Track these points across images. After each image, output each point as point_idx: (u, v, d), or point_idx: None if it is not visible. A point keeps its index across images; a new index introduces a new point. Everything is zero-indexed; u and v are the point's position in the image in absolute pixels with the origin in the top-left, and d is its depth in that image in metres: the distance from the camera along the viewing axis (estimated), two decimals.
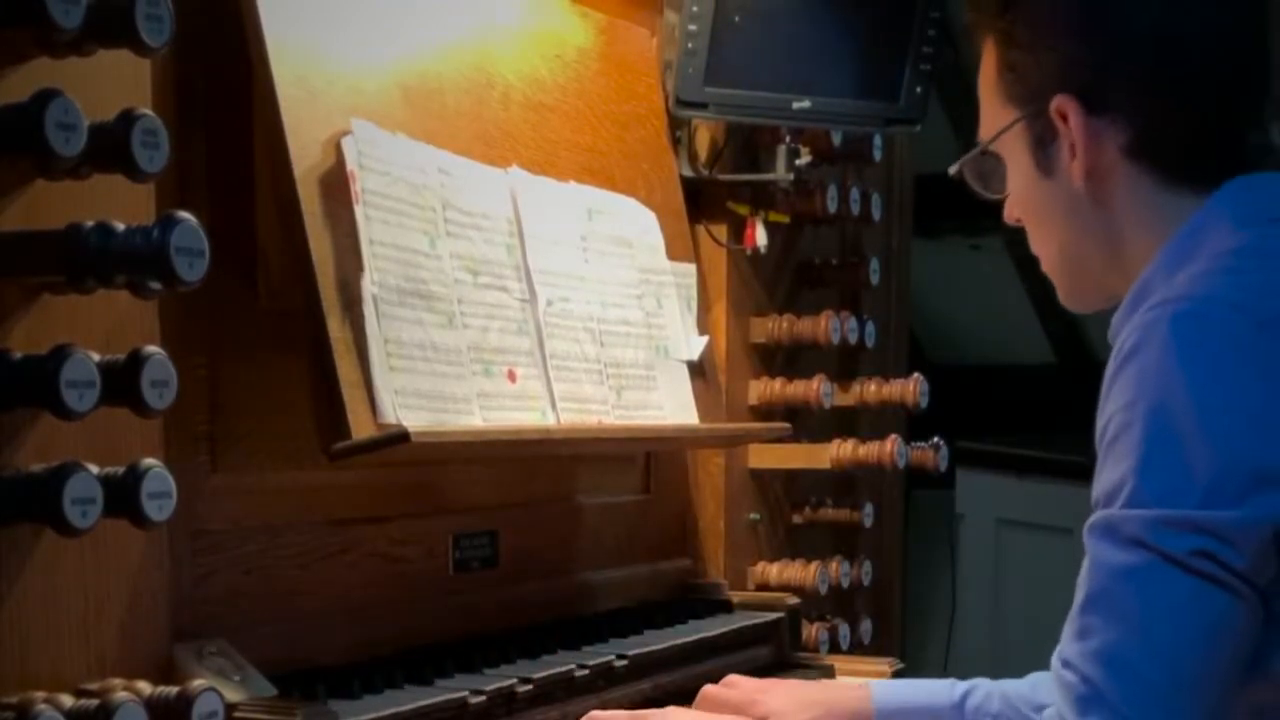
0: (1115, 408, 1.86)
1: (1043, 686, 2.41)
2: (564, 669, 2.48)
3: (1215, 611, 1.78)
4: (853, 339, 3.41)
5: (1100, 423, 1.90)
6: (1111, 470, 1.85)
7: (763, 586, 3.35)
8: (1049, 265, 2.17)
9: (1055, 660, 1.89)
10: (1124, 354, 1.86)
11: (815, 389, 3.34)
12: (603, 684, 2.56)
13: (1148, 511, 1.80)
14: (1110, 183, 2.05)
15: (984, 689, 2.45)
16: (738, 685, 2.54)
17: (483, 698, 2.30)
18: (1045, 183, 2.10)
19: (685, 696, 2.59)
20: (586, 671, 2.51)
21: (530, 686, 2.39)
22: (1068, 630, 1.88)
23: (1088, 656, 1.82)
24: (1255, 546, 1.78)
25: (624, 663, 2.60)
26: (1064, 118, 2.03)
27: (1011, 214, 2.20)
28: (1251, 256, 1.92)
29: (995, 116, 2.13)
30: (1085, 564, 1.87)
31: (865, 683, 2.54)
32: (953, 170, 2.22)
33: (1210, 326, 1.83)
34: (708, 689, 2.53)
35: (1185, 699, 1.79)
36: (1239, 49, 2.03)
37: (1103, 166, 2.04)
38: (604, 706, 2.49)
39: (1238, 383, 1.80)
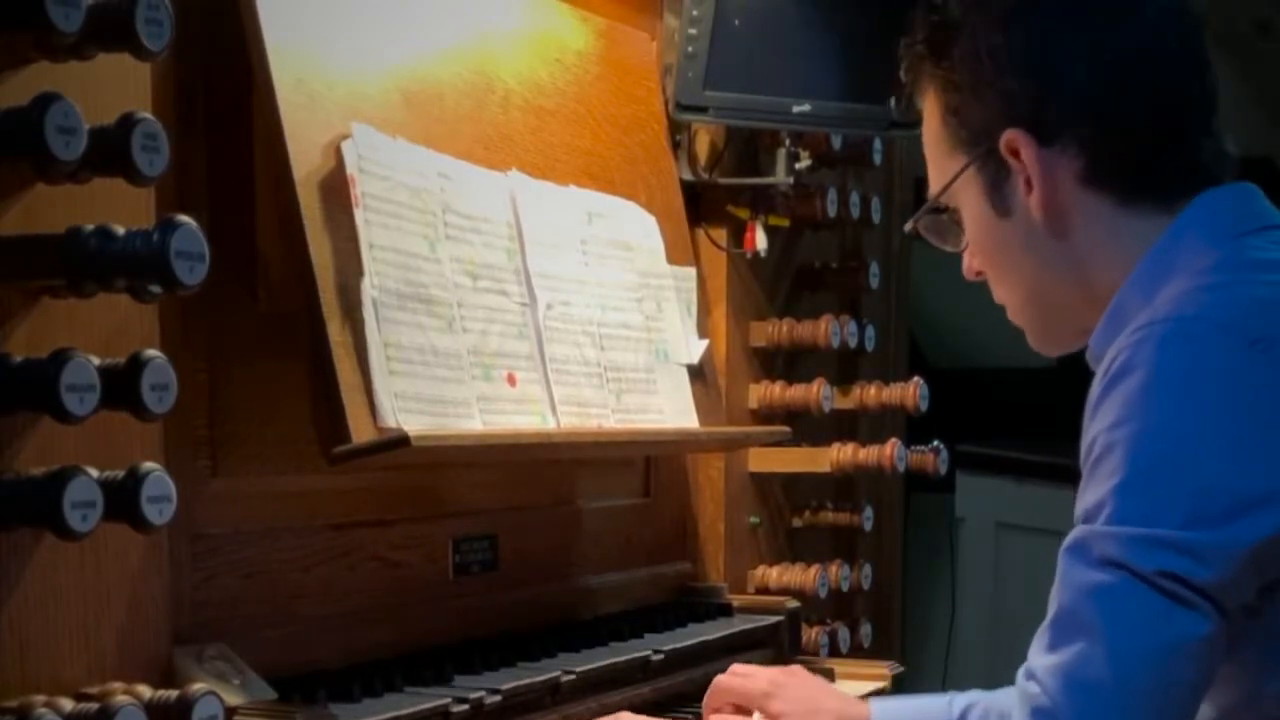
0: (1100, 428, 1.85)
1: None
2: (565, 673, 2.48)
3: (1180, 632, 1.78)
4: (853, 342, 3.41)
5: (1085, 442, 1.90)
6: (1094, 490, 1.85)
7: (763, 590, 3.35)
8: (1016, 311, 2.15)
9: (1021, 671, 1.90)
10: (1110, 374, 1.85)
11: (815, 392, 3.34)
12: (603, 687, 2.56)
13: (1125, 529, 1.80)
14: (1070, 213, 2.02)
15: (982, 705, 2.44)
16: (753, 675, 2.53)
17: (481, 701, 2.30)
18: (1003, 224, 2.07)
19: (686, 699, 2.60)
20: (587, 675, 2.51)
21: (530, 690, 2.39)
22: (1035, 642, 1.88)
23: (1050, 671, 1.83)
24: (1232, 569, 1.78)
25: (624, 666, 2.60)
26: (1015, 153, 2.01)
27: (971, 267, 2.18)
28: (1231, 270, 1.90)
29: (944, 167, 2.11)
30: (1057, 579, 1.87)
31: (867, 702, 2.53)
32: (908, 228, 2.21)
33: (1199, 348, 1.82)
34: (720, 679, 2.52)
35: (1147, 710, 1.79)
36: (1178, 65, 2.01)
37: (1061, 197, 2.01)
38: (604, 710, 2.49)
39: (1225, 407, 1.79)
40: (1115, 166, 2.01)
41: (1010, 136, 2.00)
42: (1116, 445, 1.82)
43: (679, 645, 2.77)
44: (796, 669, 2.60)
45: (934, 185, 2.13)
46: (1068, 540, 1.87)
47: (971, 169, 2.06)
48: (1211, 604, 1.78)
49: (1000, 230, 2.08)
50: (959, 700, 2.46)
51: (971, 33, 2.03)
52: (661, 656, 2.69)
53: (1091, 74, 1.98)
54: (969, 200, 2.09)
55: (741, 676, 2.52)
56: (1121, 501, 1.81)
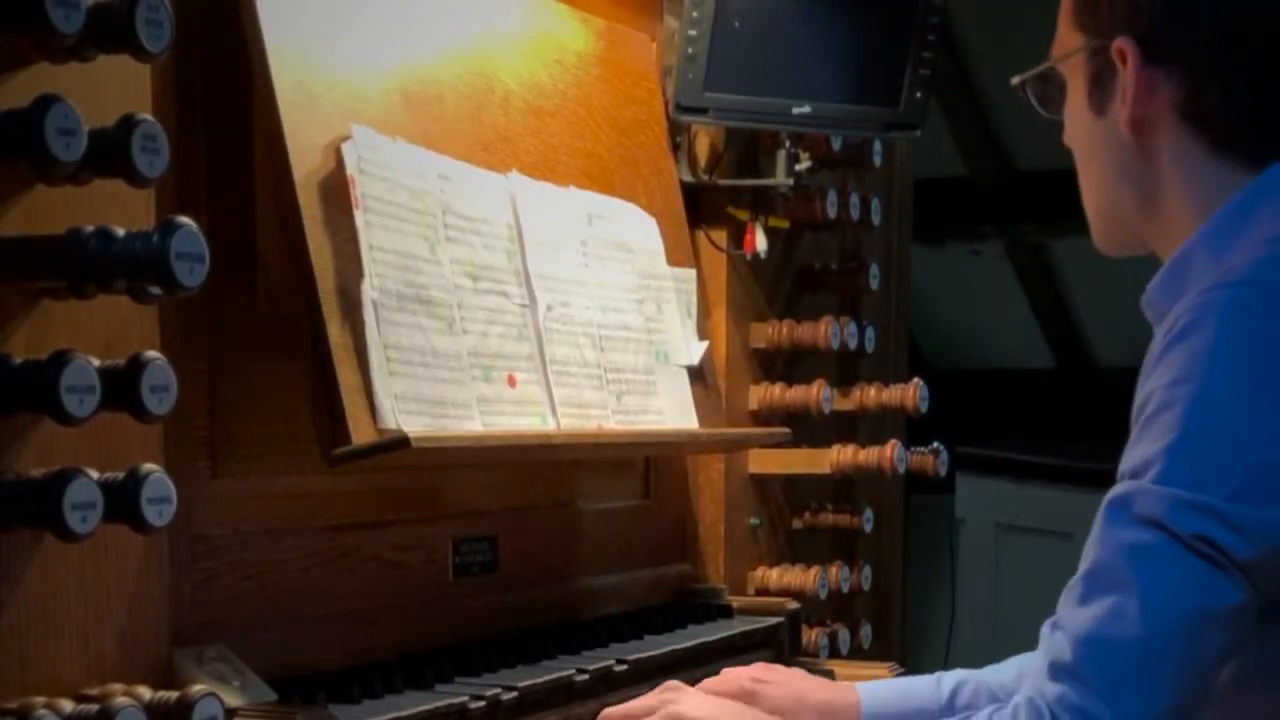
0: (1158, 384, 1.83)
1: (1028, 677, 2.41)
2: (564, 674, 2.48)
3: (1212, 598, 1.77)
4: (853, 344, 3.41)
5: (1140, 396, 1.87)
6: (1145, 446, 1.83)
7: (763, 591, 3.35)
8: (1087, 201, 2.14)
9: (1047, 624, 1.88)
10: (1175, 332, 1.83)
11: (815, 394, 3.34)
12: (602, 689, 2.56)
13: (1171, 490, 1.78)
14: (1158, 137, 2.01)
15: (971, 684, 2.45)
16: (732, 679, 2.53)
17: (482, 703, 2.30)
18: (1095, 120, 2.06)
19: None
20: (586, 676, 2.52)
21: (530, 692, 2.39)
22: (1066, 594, 1.87)
23: (1077, 625, 1.82)
24: (1269, 551, 1.77)
25: (624, 668, 2.60)
26: (1123, 60, 2.00)
27: (1067, 140, 2.17)
28: None
29: (1064, 39, 2.10)
30: (1094, 532, 1.85)
31: (854, 687, 2.53)
32: (1015, 81, 2.19)
33: (1269, 317, 1.81)
34: (705, 684, 2.52)
35: (1162, 682, 1.78)
36: None
37: (1152, 119, 2.01)
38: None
39: None
40: (1214, 109, 1.99)
41: (1121, 43, 2.00)
42: (1174, 403, 1.80)
43: (679, 646, 2.77)
44: (776, 667, 2.60)
45: (1056, 48, 2.12)
46: (1110, 494, 1.85)
47: (1081, 55, 2.06)
48: (1243, 575, 1.77)
49: (1091, 124, 2.08)
50: (947, 679, 2.46)
51: None
52: (662, 658, 2.69)
53: (1218, 11, 1.97)
54: (1074, 82, 2.09)
55: (720, 680, 2.52)
56: (1171, 461, 1.79)
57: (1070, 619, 1.83)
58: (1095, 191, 2.11)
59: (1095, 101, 2.05)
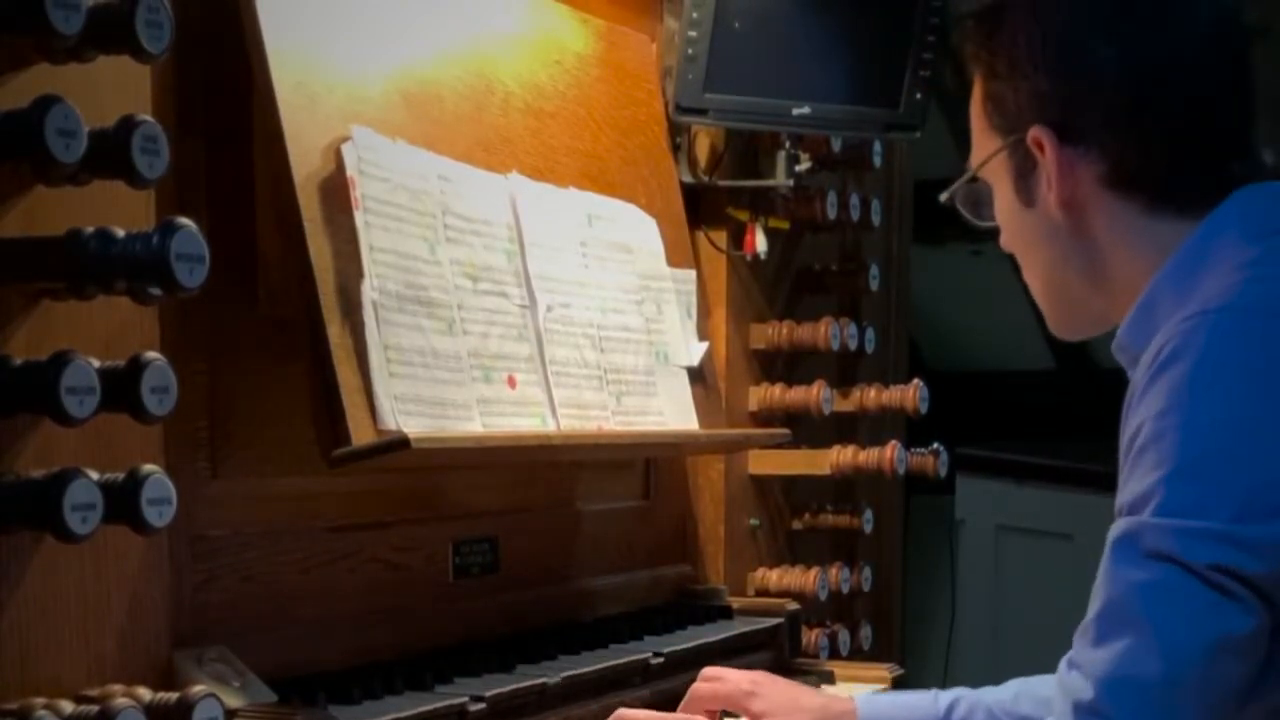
0: (1147, 415, 1.83)
1: (1025, 697, 2.40)
2: (564, 674, 2.48)
3: (1228, 627, 1.76)
4: (853, 345, 3.41)
5: (1129, 429, 1.87)
6: (1140, 479, 1.82)
7: (762, 592, 3.35)
8: (1036, 294, 2.16)
9: (1063, 662, 1.88)
10: (1160, 361, 1.83)
11: (815, 395, 3.34)
12: (603, 690, 2.56)
13: (1174, 521, 1.77)
14: (1089, 212, 2.03)
15: (967, 701, 2.44)
16: (725, 678, 2.53)
17: (482, 704, 2.30)
18: (1026, 212, 2.08)
19: None
20: (587, 677, 2.51)
21: (530, 693, 2.39)
22: (1080, 636, 1.86)
23: (1096, 666, 1.81)
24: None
25: (625, 668, 2.60)
26: (1040, 148, 2.02)
27: (1004, 243, 2.19)
28: (1272, 265, 1.89)
29: (981, 145, 2.13)
30: (1103, 571, 1.85)
31: (851, 697, 2.53)
32: (943, 197, 2.23)
33: (1251, 336, 1.81)
34: (696, 688, 2.52)
35: (1190, 709, 1.78)
36: (1213, 75, 2.00)
37: (1080, 196, 2.02)
38: (604, 712, 2.49)
39: (1277, 396, 1.77)
40: (1139, 174, 2.01)
41: (1036, 133, 2.02)
42: (1165, 433, 1.80)
43: (679, 647, 2.77)
44: (774, 676, 2.61)
45: (974, 157, 2.15)
46: (1114, 532, 1.84)
47: (1003, 154, 2.08)
48: (1259, 598, 1.76)
49: (1024, 217, 2.09)
50: (944, 696, 2.46)
51: (1013, 23, 2.05)
52: (661, 659, 2.69)
53: (1121, 81, 1.99)
54: (999, 183, 2.12)
55: (717, 680, 2.52)
56: (1170, 491, 1.78)
57: (1088, 660, 1.82)
58: (1042, 281, 2.13)
59: (1023, 194, 2.07)
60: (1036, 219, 2.08)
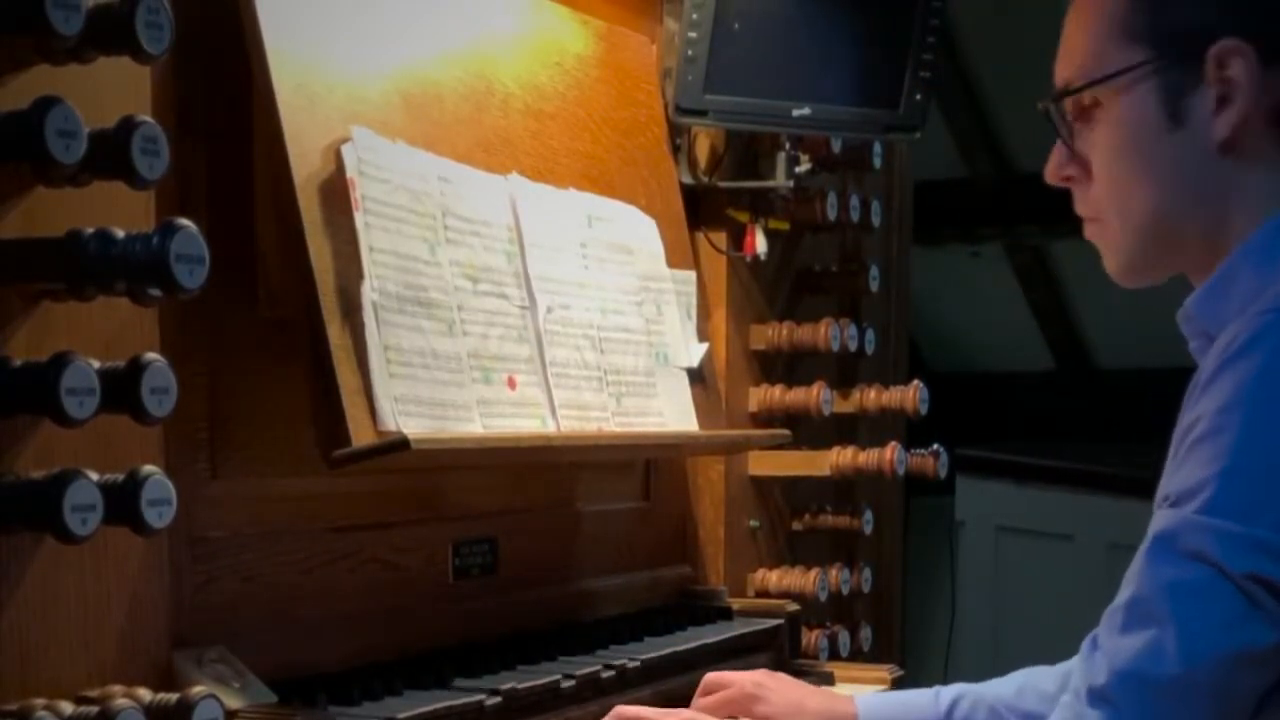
0: (1210, 408, 1.78)
1: (1029, 691, 2.40)
2: (564, 675, 2.48)
3: (1252, 638, 1.75)
4: (852, 346, 3.41)
5: (1187, 418, 1.82)
6: (1191, 471, 1.78)
7: (762, 593, 3.35)
8: (1119, 229, 2.01)
9: (1088, 641, 1.86)
10: (1230, 353, 1.78)
11: (815, 396, 3.34)
12: (603, 690, 2.56)
13: (1218, 522, 1.74)
14: (1249, 145, 1.92)
15: (969, 698, 2.44)
16: (729, 683, 2.53)
17: (482, 704, 2.30)
18: (1168, 134, 1.94)
19: (684, 702, 2.59)
20: (587, 678, 2.51)
21: (529, 693, 2.39)
22: (1108, 619, 1.84)
23: (1117, 655, 1.80)
24: None
25: (624, 669, 2.60)
26: (1220, 64, 1.90)
27: (1059, 171, 2.04)
28: None
29: (1107, 54, 1.97)
30: (1140, 560, 1.82)
31: (851, 697, 2.53)
32: (1041, 106, 2.05)
33: None
34: (702, 704, 2.52)
35: (1200, 714, 1.77)
36: None
37: (1250, 125, 1.91)
38: (604, 713, 2.49)
39: None
40: None
41: (1229, 46, 1.89)
42: (1225, 429, 1.76)
43: (678, 648, 2.77)
44: (778, 674, 2.60)
45: (1081, 67, 1.99)
46: (1156, 525, 1.81)
47: (1148, 67, 1.94)
48: None
49: (1162, 140, 1.95)
50: (945, 693, 2.46)
51: None
52: (662, 660, 2.69)
53: None
54: (1130, 98, 1.96)
55: (720, 687, 2.51)
56: (1220, 490, 1.75)
57: (1111, 646, 1.81)
58: (1148, 215, 1.98)
59: (1172, 114, 1.94)
60: (1179, 143, 1.94)
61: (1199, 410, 1.80)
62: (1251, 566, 1.73)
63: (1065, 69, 2.03)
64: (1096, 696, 1.81)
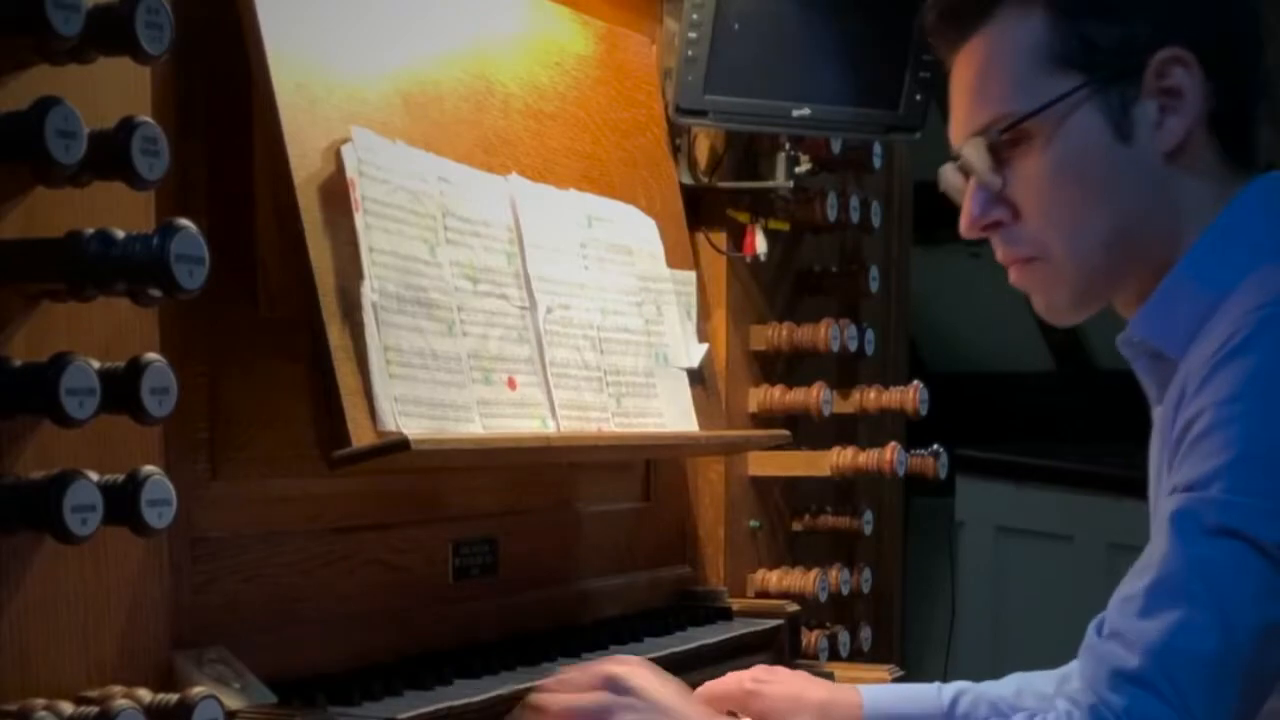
0: (1210, 401, 1.79)
1: (1027, 693, 2.40)
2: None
3: None
4: (852, 346, 3.41)
5: (1187, 414, 1.82)
6: (1199, 463, 1.78)
7: (762, 594, 3.35)
8: (1070, 257, 1.99)
9: (1092, 630, 1.85)
10: (1228, 349, 1.78)
11: (815, 396, 3.34)
12: None
13: (1243, 499, 1.74)
14: (1193, 150, 1.92)
15: (971, 694, 2.44)
16: (728, 680, 2.52)
17: (482, 705, 2.30)
18: (1118, 151, 1.93)
19: None
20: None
21: (529, 694, 2.38)
22: (1128, 605, 1.81)
23: (1147, 636, 1.77)
24: None
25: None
26: (1160, 74, 1.89)
27: (981, 219, 2.03)
28: None
29: (1036, 85, 1.95)
30: (1162, 543, 1.80)
31: (855, 688, 2.52)
32: (957, 148, 2.07)
33: None
34: (708, 685, 2.51)
35: (1233, 695, 1.75)
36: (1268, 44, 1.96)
37: (1194, 131, 1.91)
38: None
39: None
40: (1240, 112, 1.93)
41: (1172, 54, 1.89)
42: (1232, 420, 1.76)
43: (678, 649, 2.77)
44: (777, 669, 2.59)
45: (1004, 106, 1.98)
46: (1174, 505, 1.80)
47: (1086, 89, 1.93)
48: None
49: (1111, 157, 1.94)
50: (947, 690, 2.46)
51: None
52: (661, 660, 2.69)
53: (1255, 19, 1.93)
54: (1072, 123, 1.95)
55: (721, 682, 2.51)
56: (1238, 474, 1.75)
57: (1136, 630, 1.78)
58: (1105, 234, 1.97)
59: (1118, 131, 1.93)
60: (1127, 160, 1.93)
61: (1198, 406, 1.81)
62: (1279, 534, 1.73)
63: (979, 114, 2.02)
64: (1128, 679, 1.77)
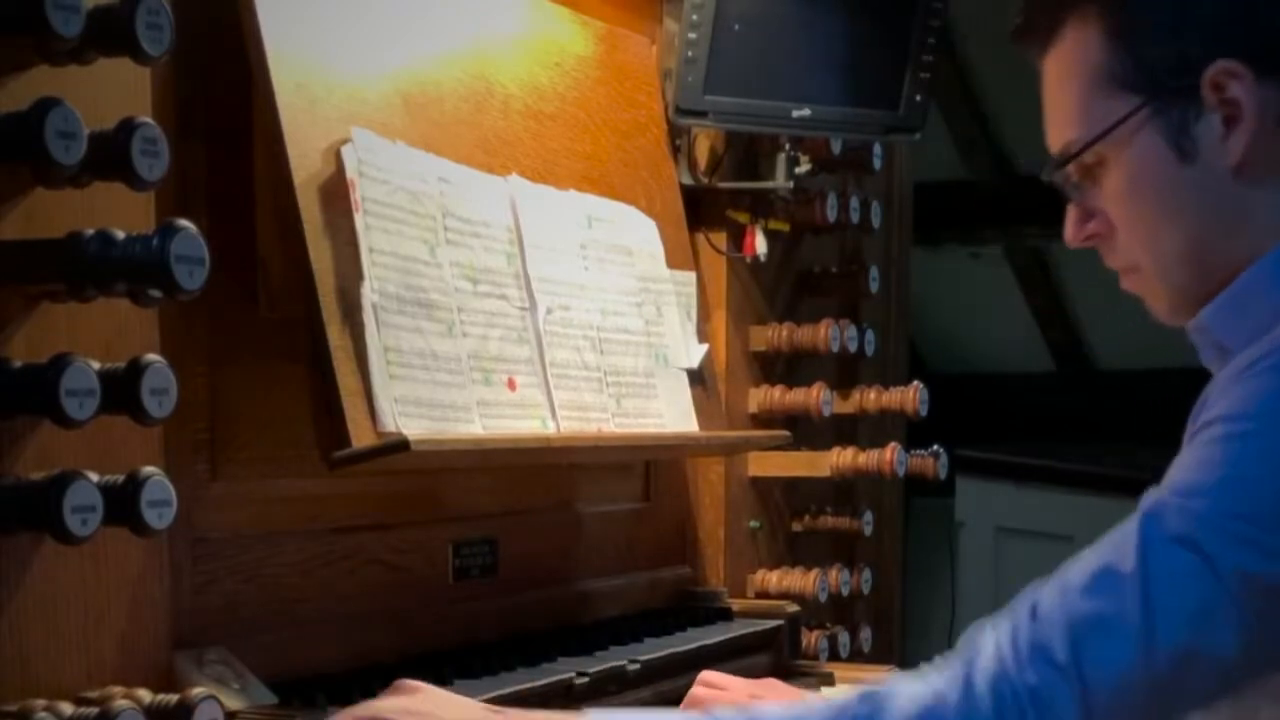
0: (1224, 412, 1.77)
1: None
2: (564, 677, 2.48)
3: (1218, 642, 1.72)
4: (852, 347, 3.41)
5: (1201, 415, 1.81)
6: (1193, 470, 1.76)
7: (762, 594, 3.35)
8: (1156, 273, 1.97)
9: (1023, 603, 1.81)
10: (1260, 366, 1.76)
11: (815, 397, 3.34)
12: (603, 691, 2.56)
13: (1217, 518, 1.72)
14: (1265, 160, 1.88)
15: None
16: (729, 687, 2.52)
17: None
18: (1183, 170, 1.90)
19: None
20: (586, 679, 2.51)
21: (529, 694, 2.39)
22: (1078, 575, 1.78)
23: (1076, 620, 1.75)
24: None
25: (624, 670, 2.60)
26: (1217, 88, 1.86)
27: (1080, 233, 2.01)
28: None
29: (1096, 110, 1.93)
30: (1121, 534, 1.78)
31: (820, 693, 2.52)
32: (1045, 177, 2.02)
33: None
34: (693, 693, 2.52)
35: (1140, 702, 1.74)
36: None
37: (1261, 141, 1.87)
38: None
39: None
40: None
41: (1223, 68, 1.86)
42: (1234, 439, 1.74)
43: (679, 649, 2.77)
44: (773, 681, 2.59)
45: (1075, 130, 1.96)
46: (1148, 503, 1.78)
47: (1146, 110, 1.90)
48: (1258, 622, 1.71)
49: (1177, 177, 1.91)
50: None
51: None
52: (661, 661, 2.69)
53: None
54: (1135, 145, 1.92)
55: (716, 686, 2.51)
56: (1222, 492, 1.72)
57: (1069, 609, 1.76)
58: (1180, 248, 1.94)
59: (1182, 149, 1.90)
60: (1196, 176, 1.90)
61: (1214, 411, 1.79)
62: (1237, 562, 1.70)
63: (1059, 134, 2.00)
64: (1045, 661, 1.75)
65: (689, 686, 2.55)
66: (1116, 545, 1.78)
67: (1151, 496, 1.80)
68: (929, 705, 1.80)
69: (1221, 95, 1.87)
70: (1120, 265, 2.03)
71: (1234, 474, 1.74)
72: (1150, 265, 1.98)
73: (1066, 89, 1.98)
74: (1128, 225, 1.98)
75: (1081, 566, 1.80)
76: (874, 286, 3.59)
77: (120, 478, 1.84)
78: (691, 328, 3.05)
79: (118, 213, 1.91)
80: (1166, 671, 1.73)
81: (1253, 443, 1.74)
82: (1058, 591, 1.80)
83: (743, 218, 3.30)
